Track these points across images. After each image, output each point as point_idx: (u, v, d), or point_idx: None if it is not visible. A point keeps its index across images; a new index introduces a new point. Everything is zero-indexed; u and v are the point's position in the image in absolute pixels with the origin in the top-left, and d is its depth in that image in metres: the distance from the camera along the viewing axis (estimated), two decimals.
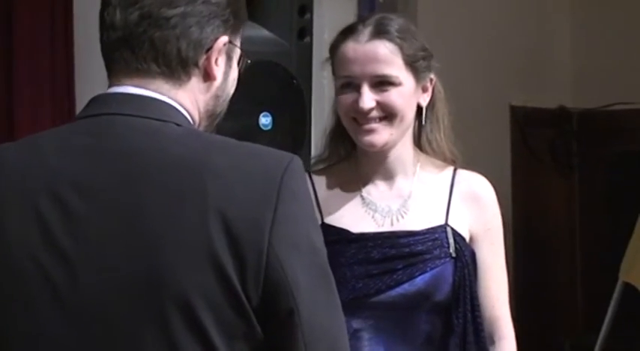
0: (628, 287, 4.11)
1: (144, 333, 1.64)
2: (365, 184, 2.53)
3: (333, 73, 2.51)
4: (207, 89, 1.79)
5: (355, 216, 2.51)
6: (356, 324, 2.45)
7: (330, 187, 2.55)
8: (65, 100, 3.44)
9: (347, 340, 1.74)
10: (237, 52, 1.83)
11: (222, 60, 1.78)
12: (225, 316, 1.62)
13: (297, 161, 1.69)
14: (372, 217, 2.51)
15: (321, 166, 2.60)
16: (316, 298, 1.68)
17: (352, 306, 2.36)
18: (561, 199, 5.68)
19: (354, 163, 2.55)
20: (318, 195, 2.50)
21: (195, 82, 1.77)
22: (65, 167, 1.69)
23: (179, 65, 1.73)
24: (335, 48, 2.49)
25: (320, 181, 2.54)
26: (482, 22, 4.96)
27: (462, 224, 2.51)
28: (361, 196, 2.52)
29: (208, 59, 1.75)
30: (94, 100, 1.75)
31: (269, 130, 2.68)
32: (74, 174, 1.68)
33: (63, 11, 3.40)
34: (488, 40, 4.96)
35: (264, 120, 2.67)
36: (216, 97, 1.81)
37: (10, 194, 1.70)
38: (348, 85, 2.45)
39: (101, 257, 1.64)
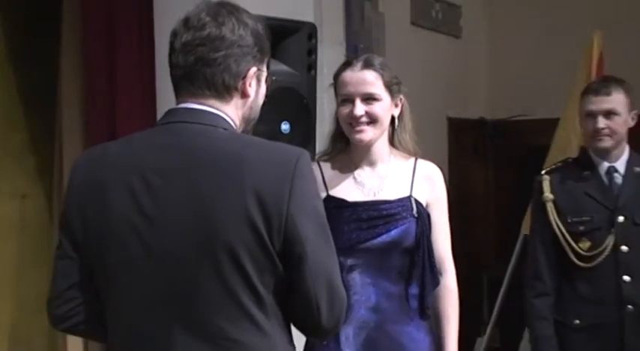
0: (526, 237, 3.99)
1: (202, 271, 1.65)
2: (356, 168, 2.52)
3: (335, 92, 2.50)
4: (244, 104, 1.78)
5: (350, 190, 2.49)
6: (350, 262, 2.44)
7: (332, 170, 2.53)
8: (150, 112, 3.36)
9: (339, 273, 1.76)
10: (264, 75, 1.82)
11: (254, 82, 1.77)
12: (258, 257, 1.64)
13: (306, 154, 1.72)
14: (362, 190, 2.49)
15: (326, 157, 2.56)
16: (318, 245, 1.69)
17: (348, 250, 2.41)
18: (481, 180, 5.66)
19: (348, 154, 2.53)
20: (324, 176, 2.50)
21: (235, 99, 1.76)
22: (150, 157, 1.70)
23: (224, 90, 1.74)
24: (338, 75, 2.48)
25: (325, 166, 2.53)
26: (428, 60, 4.93)
27: (421, 196, 2.50)
28: (354, 176, 2.51)
29: (244, 84, 1.75)
30: (168, 113, 1.77)
31: (287, 134, 2.63)
32: (155, 162, 1.69)
33: (149, 54, 3.37)
34: (432, 72, 4.92)
35: (285, 126, 2.64)
36: (250, 108, 1.80)
37: (112, 176, 1.71)
38: (346, 100, 2.44)
39: (172, 217, 1.66)
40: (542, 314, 3.00)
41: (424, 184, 2.53)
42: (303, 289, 1.68)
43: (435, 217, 2.53)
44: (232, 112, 1.77)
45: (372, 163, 2.52)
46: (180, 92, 1.77)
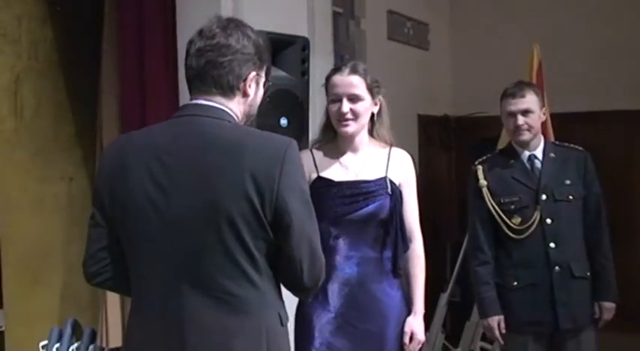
0: None
1: (207, 237, 1.65)
2: (342, 154, 2.50)
3: (326, 92, 2.48)
4: (245, 102, 1.79)
5: (336, 172, 2.48)
6: (337, 231, 2.43)
7: (322, 156, 2.51)
8: (174, 107, 3.10)
9: (319, 241, 1.75)
10: (262, 80, 1.83)
11: (253, 85, 1.79)
12: (253, 226, 1.65)
13: (295, 143, 1.73)
14: (346, 172, 2.47)
15: (317, 144, 2.55)
16: (303, 217, 1.70)
17: (335, 221, 2.42)
18: (445, 166, 5.62)
19: (336, 142, 2.51)
20: (316, 160, 2.49)
21: (238, 97, 1.77)
22: (165, 142, 1.70)
23: (228, 89, 1.75)
24: (328, 78, 2.47)
25: (317, 153, 2.51)
26: (401, 68, 4.90)
27: (395, 177, 2.49)
28: (339, 161, 2.49)
29: (245, 85, 1.76)
30: (182, 107, 1.79)
31: (285, 127, 2.61)
32: (169, 146, 1.69)
33: (173, 61, 3.33)
34: (405, 78, 4.89)
35: (283, 121, 2.61)
36: (250, 106, 1.81)
37: (134, 158, 1.72)
38: (335, 99, 2.44)
39: (183, 191, 1.66)
40: (484, 279, 3.00)
41: (397, 167, 2.51)
42: (290, 253, 1.69)
43: (405, 194, 2.51)
44: (235, 107, 1.77)
45: (355, 150, 2.50)
46: (192, 90, 1.77)
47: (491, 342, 4.43)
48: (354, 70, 2.44)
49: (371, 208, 2.43)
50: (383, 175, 2.48)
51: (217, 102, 1.74)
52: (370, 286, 2.46)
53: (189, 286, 1.67)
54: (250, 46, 1.76)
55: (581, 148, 3.08)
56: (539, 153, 3.02)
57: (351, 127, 2.44)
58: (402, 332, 2.47)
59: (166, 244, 1.68)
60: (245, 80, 1.76)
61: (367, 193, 2.44)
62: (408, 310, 2.50)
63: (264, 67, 1.83)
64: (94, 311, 3.71)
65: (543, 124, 3.06)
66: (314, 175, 2.48)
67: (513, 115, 2.98)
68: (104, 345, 3.48)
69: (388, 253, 2.47)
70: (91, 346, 2.51)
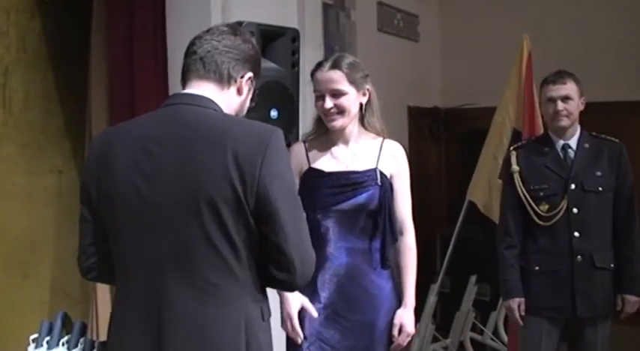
0: (470, 203, 4.16)
1: (189, 224, 1.65)
2: (333, 146, 2.49)
3: (314, 89, 2.48)
4: (237, 99, 1.81)
5: (327, 163, 2.48)
6: (327, 221, 2.43)
7: (314, 148, 2.50)
8: (162, 98, 3.32)
9: (306, 226, 1.74)
10: (253, 85, 1.87)
11: (247, 87, 1.82)
12: (234, 212, 1.64)
13: (280, 131, 1.72)
14: (336, 163, 2.47)
15: (311, 136, 2.55)
16: (286, 203, 1.67)
17: (325, 211, 2.42)
18: (435, 157, 5.63)
19: (328, 135, 2.50)
20: (308, 152, 2.49)
21: (232, 91, 1.79)
22: (151, 131, 1.72)
23: (226, 77, 1.77)
24: (312, 75, 2.46)
25: (310, 145, 2.51)
26: (391, 60, 4.91)
27: (386, 168, 2.47)
28: (331, 152, 2.49)
29: (241, 82, 1.80)
30: (172, 96, 1.82)
31: (276, 119, 2.57)
32: (155, 134, 1.70)
33: (162, 58, 3.32)
34: (395, 70, 4.89)
35: (273, 113, 2.58)
36: (241, 104, 1.84)
37: (120, 148, 1.72)
38: (319, 95, 2.43)
39: (167, 179, 1.66)
40: (510, 262, 3.04)
41: (389, 159, 2.50)
42: (277, 244, 1.67)
43: (397, 186, 2.50)
44: (225, 100, 1.78)
45: (345, 142, 2.50)
46: (189, 75, 1.78)
47: (480, 332, 4.48)
48: (334, 65, 2.42)
49: (360, 198, 2.42)
50: (373, 167, 2.47)
51: (208, 91, 1.76)
52: (359, 276, 2.45)
53: (171, 275, 1.67)
54: (252, 51, 1.83)
55: (617, 140, 3.08)
56: (573, 143, 3.04)
57: (337, 122, 2.43)
58: (392, 323, 2.47)
59: (150, 233, 1.68)
60: (243, 77, 1.79)
61: (356, 183, 2.44)
62: (399, 301, 2.50)
63: (257, 78, 1.87)
64: (84, 304, 3.69)
65: (580, 114, 3.05)
66: (305, 167, 2.48)
67: (553, 100, 3.00)
68: (95, 338, 3.47)
69: (377, 244, 2.46)
70: (82, 339, 2.50)
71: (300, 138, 2.63)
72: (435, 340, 4.38)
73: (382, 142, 2.52)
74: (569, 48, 4.81)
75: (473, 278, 4.38)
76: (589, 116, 3.14)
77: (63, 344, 2.50)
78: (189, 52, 1.79)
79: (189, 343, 1.66)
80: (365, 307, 2.44)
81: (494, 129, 4.04)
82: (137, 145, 1.70)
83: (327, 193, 2.43)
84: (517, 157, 3.06)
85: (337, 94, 2.41)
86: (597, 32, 4.86)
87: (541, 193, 2.99)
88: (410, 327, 2.49)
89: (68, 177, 3.79)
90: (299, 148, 2.52)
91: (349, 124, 2.46)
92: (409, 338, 2.49)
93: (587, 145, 3.02)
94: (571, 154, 3.01)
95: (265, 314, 1.75)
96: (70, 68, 3.73)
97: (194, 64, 1.77)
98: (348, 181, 2.43)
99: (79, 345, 2.49)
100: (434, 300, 4.30)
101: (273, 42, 2.57)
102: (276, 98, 2.56)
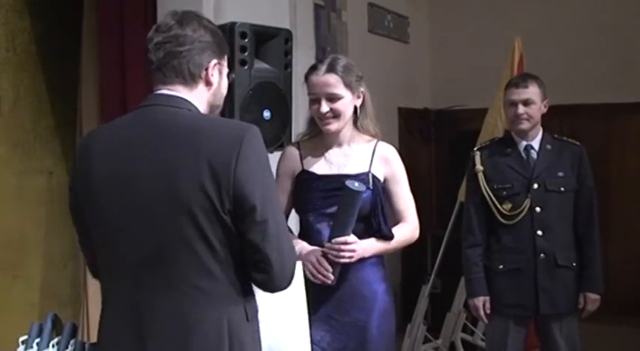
0: (462, 204, 3.97)
1: (167, 227, 1.63)
2: (327, 149, 2.48)
3: (307, 91, 2.45)
4: (208, 90, 1.78)
5: (320, 165, 2.47)
6: (319, 224, 2.42)
7: (308, 149, 2.49)
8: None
9: (285, 226, 1.73)
10: (225, 69, 1.82)
11: (215, 73, 1.77)
12: (210, 213, 1.61)
13: (255, 128, 1.69)
14: (329, 166, 2.46)
15: (305, 137, 2.54)
16: (263, 201, 1.64)
17: (317, 214, 2.41)
18: (425, 158, 5.66)
19: (321, 137, 2.49)
20: (302, 154, 2.48)
21: (201, 87, 1.76)
22: (127, 132, 1.70)
23: (190, 78, 1.73)
24: (306, 78, 2.44)
25: (303, 146, 2.50)
26: (382, 61, 4.91)
27: (379, 172, 2.45)
28: (324, 155, 2.48)
29: (207, 74, 1.75)
30: (146, 98, 1.77)
31: (268, 119, 2.53)
32: (131, 135, 1.69)
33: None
34: (386, 71, 4.90)
35: (266, 114, 2.53)
36: (214, 95, 1.80)
37: (99, 153, 1.71)
38: (314, 99, 2.42)
39: (141, 180, 1.65)
40: (473, 261, 3.08)
41: (382, 162, 2.48)
42: (254, 244, 1.64)
43: (393, 189, 2.48)
44: (197, 97, 1.75)
45: (339, 145, 2.48)
46: (155, 82, 1.76)
47: (471, 333, 4.48)
48: (330, 69, 2.39)
49: None
50: (366, 170, 2.45)
51: (179, 92, 1.74)
52: (352, 279, 2.42)
53: (151, 279, 1.66)
54: (207, 35, 1.75)
55: (577, 143, 3.13)
56: (535, 144, 3.08)
57: (332, 126, 2.42)
58: (384, 323, 2.45)
59: (128, 238, 1.67)
60: (207, 69, 1.76)
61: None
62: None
63: (225, 57, 1.82)
64: (74, 306, 3.65)
65: (545, 117, 3.11)
66: (299, 169, 2.47)
67: (515, 104, 3.05)
68: (85, 340, 3.43)
69: None
70: (72, 341, 2.46)
71: (294, 138, 2.61)
72: (426, 340, 4.36)
73: (375, 144, 2.49)
74: (558, 50, 4.83)
75: (464, 279, 4.36)
76: (579, 118, 3.15)
77: (53, 346, 2.46)
78: (148, 60, 1.76)
79: (170, 347, 1.65)
80: (358, 308, 2.42)
81: (486, 130, 4.04)
82: (112, 149, 1.70)
83: (319, 197, 2.41)
84: (481, 157, 3.11)
85: (333, 98, 2.39)
86: (587, 34, 4.87)
87: (504, 193, 3.04)
88: (360, 244, 2.35)
89: (59, 177, 3.76)
90: (292, 150, 2.51)
91: (343, 127, 2.45)
92: (352, 251, 2.34)
93: (549, 147, 3.08)
94: (533, 154, 3.07)
95: (250, 314, 1.71)
96: (60, 68, 3.70)
97: (155, 73, 1.75)
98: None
99: (70, 346, 2.45)
100: (425, 301, 4.29)
101: (266, 43, 2.54)
102: (268, 99, 2.53)
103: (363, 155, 2.48)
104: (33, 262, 3.65)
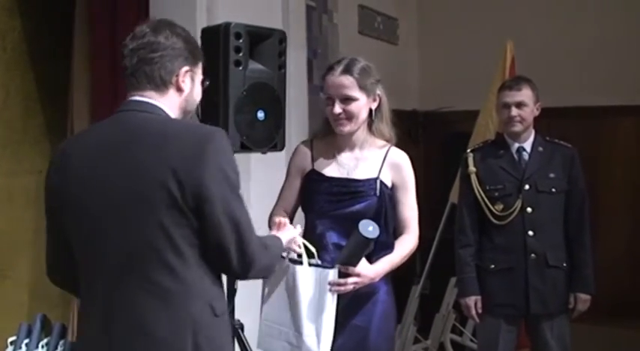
0: (453, 205, 4.08)
1: (131, 225, 1.69)
2: (339, 151, 2.47)
3: (323, 92, 2.45)
4: (180, 96, 1.82)
5: (330, 167, 2.46)
6: (322, 226, 2.41)
7: (321, 149, 2.49)
8: None
9: (250, 226, 1.74)
10: (198, 76, 1.87)
11: (187, 80, 1.82)
12: (175, 214, 1.66)
13: (222, 132, 1.76)
14: (339, 169, 2.45)
15: (319, 136, 2.53)
16: (226, 203, 1.69)
17: (320, 215, 2.42)
18: (414, 160, 5.54)
19: (334, 138, 2.47)
20: (314, 153, 2.49)
21: (172, 93, 1.81)
22: (102, 136, 1.77)
23: (161, 84, 1.79)
24: (323, 78, 2.44)
25: (316, 146, 2.50)
26: (371, 62, 4.81)
27: (387, 178, 2.43)
28: (335, 157, 2.47)
29: (177, 80, 1.80)
30: (122, 104, 1.83)
31: (263, 120, 2.54)
32: (105, 139, 1.75)
33: None
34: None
35: (260, 114, 2.54)
36: (186, 100, 1.84)
37: (79, 152, 1.78)
38: (329, 100, 2.41)
39: (110, 184, 1.70)
40: (465, 261, 3.12)
41: (392, 169, 2.46)
42: (216, 240, 1.70)
43: (400, 196, 2.45)
44: (168, 102, 1.80)
45: (351, 148, 2.47)
46: (129, 88, 1.81)
47: (460, 334, 4.49)
48: (345, 70, 2.39)
49: (357, 207, 2.39)
50: (374, 176, 2.43)
51: (150, 97, 1.79)
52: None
53: (120, 281, 1.70)
54: (180, 42, 1.81)
55: (569, 146, 3.17)
56: (527, 146, 3.12)
57: (345, 127, 2.41)
58: (386, 325, 2.45)
59: (98, 241, 1.72)
60: (178, 75, 1.80)
61: (355, 192, 2.40)
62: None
63: (198, 64, 1.86)
64: (64, 306, 3.63)
65: (535, 119, 3.15)
66: (309, 168, 2.48)
67: (508, 106, 3.09)
68: (75, 340, 3.40)
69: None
70: (61, 342, 2.44)
71: (308, 136, 2.63)
72: (415, 341, 4.37)
73: (388, 150, 2.48)
74: (547, 53, 4.83)
75: (453, 280, 4.35)
76: (569, 121, 3.18)
77: (42, 347, 2.44)
78: (123, 66, 1.82)
79: (133, 347, 1.70)
80: (359, 311, 2.40)
81: (477, 132, 4.06)
82: (89, 148, 1.76)
83: (324, 199, 2.42)
84: (474, 158, 3.15)
85: (347, 99, 2.38)
86: (578, 37, 4.87)
87: (496, 194, 3.07)
88: (365, 271, 2.32)
89: None
90: (305, 148, 2.52)
91: (356, 129, 2.44)
92: (355, 282, 2.31)
93: (541, 149, 3.12)
94: (525, 156, 3.10)
95: (218, 310, 1.76)
96: (51, 67, 3.68)
97: (128, 79, 1.81)
98: (347, 189, 2.41)
99: (59, 347, 2.43)
100: (416, 302, 4.29)
101: (260, 43, 2.54)
102: (263, 100, 2.53)
103: (374, 161, 2.46)
104: (22, 263, 3.63)
